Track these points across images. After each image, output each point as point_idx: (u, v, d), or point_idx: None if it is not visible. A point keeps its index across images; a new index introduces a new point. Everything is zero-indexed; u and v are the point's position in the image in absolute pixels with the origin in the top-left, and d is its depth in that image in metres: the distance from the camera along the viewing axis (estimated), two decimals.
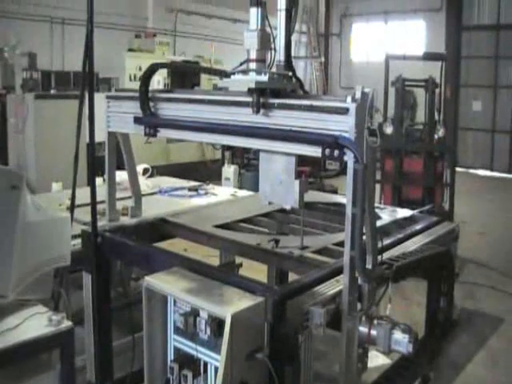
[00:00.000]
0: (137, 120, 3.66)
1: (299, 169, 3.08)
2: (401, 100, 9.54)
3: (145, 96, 3.60)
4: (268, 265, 4.71)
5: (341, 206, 4.47)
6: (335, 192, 11.57)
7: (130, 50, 14.19)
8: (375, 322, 2.73)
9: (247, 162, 13.76)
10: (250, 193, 6.09)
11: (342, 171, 12.75)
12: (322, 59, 23.07)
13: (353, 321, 2.71)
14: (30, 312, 3.27)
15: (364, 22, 22.50)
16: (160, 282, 2.90)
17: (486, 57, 18.71)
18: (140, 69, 12.94)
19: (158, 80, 12.59)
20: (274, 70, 3.12)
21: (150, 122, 3.61)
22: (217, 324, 2.58)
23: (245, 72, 3.06)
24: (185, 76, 14.30)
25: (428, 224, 4.15)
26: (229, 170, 11.81)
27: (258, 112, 2.98)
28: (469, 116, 19.12)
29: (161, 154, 12.89)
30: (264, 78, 2.95)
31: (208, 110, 3.33)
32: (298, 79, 3.19)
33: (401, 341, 2.68)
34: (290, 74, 3.14)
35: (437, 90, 9.44)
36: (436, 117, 9.48)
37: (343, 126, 2.66)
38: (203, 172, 12.90)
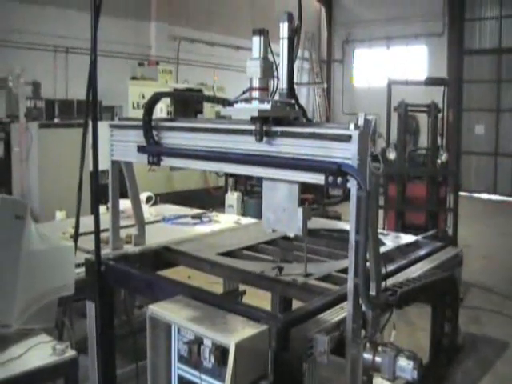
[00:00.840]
0: (140, 149, 3.68)
1: (302, 196, 3.10)
2: (403, 125, 9.58)
3: (148, 125, 3.62)
4: (272, 292, 4.70)
5: (344, 233, 4.46)
6: (339, 218, 11.57)
7: (133, 78, 14.27)
8: (380, 348, 2.72)
9: (250, 189, 13.79)
10: (254, 220, 6.10)
11: (346, 198, 12.77)
12: (325, 85, 23.19)
13: (357, 348, 2.71)
14: (33, 341, 3.27)
15: (366, 47, 22.65)
16: (164, 310, 2.90)
17: (487, 81, 18.83)
18: (143, 97, 13.01)
19: (161, 108, 12.66)
20: (276, 97, 3.14)
21: (154, 151, 3.64)
22: (221, 352, 2.58)
23: (248, 100, 3.08)
24: (188, 104, 14.36)
25: (432, 249, 4.16)
26: (232, 197, 11.84)
27: (261, 140, 3.00)
28: (471, 140, 19.16)
29: (164, 181, 12.92)
30: (267, 106, 2.97)
31: (211, 138, 3.35)
32: (300, 107, 3.22)
33: (406, 367, 2.67)
34: (293, 101, 3.16)
35: (439, 115, 9.48)
36: (439, 141, 9.51)
37: (346, 153, 2.67)
38: (206, 199, 12.90)
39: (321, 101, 23.52)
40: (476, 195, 18.63)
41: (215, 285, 4.73)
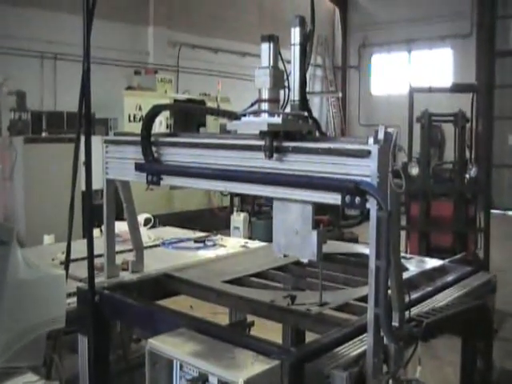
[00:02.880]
0: (138, 167, 3.70)
1: (317, 217, 3.10)
2: (427, 137, 9.60)
3: (147, 141, 3.64)
4: (283, 324, 4.70)
5: (363, 257, 4.48)
6: (356, 241, 11.56)
7: (129, 87, 14.35)
8: None
9: (258, 209, 13.82)
10: (262, 243, 6.11)
11: (365, 219, 12.71)
12: (340, 94, 23.26)
13: None
14: (19, 382, 3.26)
15: (385, 52, 22.76)
16: (165, 344, 2.90)
17: None
18: (140, 108, 13.10)
19: (160, 121, 12.73)
20: (287, 110, 3.16)
21: (153, 169, 3.65)
22: None
23: (256, 113, 3.10)
24: (189, 116, 14.44)
25: (461, 275, 4.13)
26: (238, 219, 11.87)
27: (271, 157, 3.01)
28: (504, 152, 19.07)
29: (163, 201, 12.97)
30: (277, 119, 2.98)
31: (216, 155, 3.37)
32: (314, 120, 3.22)
33: None
34: (306, 114, 3.17)
35: (467, 125, 9.49)
36: (467, 154, 9.52)
37: (365, 170, 2.67)
38: (210, 221, 12.93)
39: (335, 111, 23.63)
40: (510, 213, 18.56)
41: (220, 315, 4.75)
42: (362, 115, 23.36)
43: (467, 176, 9.13)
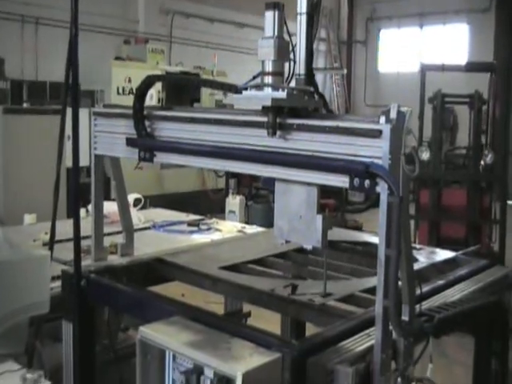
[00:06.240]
0: (130, 142, 3.70)
1: (322, 201, 3.10)
2: (440, 119, 9.58)
3: (140, 114, 3.64)
4: (283, 314, 4.72)
5: (369, 246, 4.49)
6: (359, 229, 11.58)
7: (118, 58, 14.30)
8: None
9: (255, 193, 13.81)
10: (260, 229, 6.13)
11: (373, 205, 12.69)
12: (344, 71, 23.16)
13: (387, 383, 2.71)
14: None
15: (395, 26, 22.68)
16: (157, 333, 2.91)
17: None
18: (129, 80, 13.06)
19: (151, 94, 12.67)
20: (292, 84, 3.16)
21: (146, 145, 3.65)
22: None
23: (258, 87, 3.09)
24: (183, 90, 14.39)
25: (475, 268, 4.13)
26: (234, 202, 11.85)
27: (274, 134, 3.01)
28: None
29: (153, 182, 12.97)
30: (282, 94, 2.97)
31: (214, 131, 3.37)
32: (321, 96, 3.22)
33: None
34: (312, 89, 3.16)
35: (483, 107, 9.47)
36: (482, 139, 9.49)
37: (375, 151, 2.68)
38: (203, 204, 12.92)
39: (339, 90, 23.56)
40: None
41: (214, 305, 4.76)
42: (368, 95, 23.32)
43: (482, 163, 9.10)
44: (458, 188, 9.37)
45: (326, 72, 23.46)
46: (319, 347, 2.78)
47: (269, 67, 3.10)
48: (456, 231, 9.20)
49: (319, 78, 22.89)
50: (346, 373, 2.59)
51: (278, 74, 3.10)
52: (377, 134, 2.67)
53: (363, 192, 2.84)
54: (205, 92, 14.20)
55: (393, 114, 2.64)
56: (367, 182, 2.70)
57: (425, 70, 9.75)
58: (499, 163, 9.03)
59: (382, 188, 2.64)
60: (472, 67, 10.71)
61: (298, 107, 3.07)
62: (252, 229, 6.30)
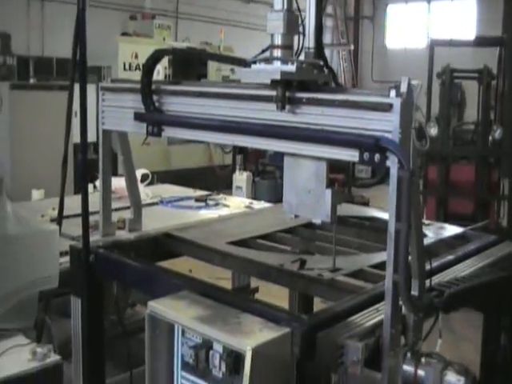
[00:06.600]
0: (138, 116, 3.68)
1: (331, 176, 3.09)
2: (448, 95, 9.53)
3: (148, 88, 3.62)
4: (292, 289, 4.72)
5: (377, 221, 4.48)
6: (366, 204, 11.57)
7: (124, 34, 14.26)
8: (423, 360, 2.70)
9: (262, 169, 13.81)
10: (268, 204, 6.12)
11: (382, 181, 12.68)
12: (351, 47, 23.09)
13: (396, 358, 2.70)
14: (8, 344, 3.29)
15: (402, 1, 22.57)
16: (166, 308, 2.91)
17: None
18: (136, 56, 13.04)
19: (158, 70, 12.63)
20: (301, 58, 3.14)
21: (154, 119, 3.64)
22: (234, 359, 2.58)
23: (267, 60, 3.07)
24: (190, 65, 14.34)
25: (484, 244, 4.11)
26: (241, 178, 11.85)
27: (283, 108, 2.99)
28: None
29: (160, 158, 12.97)
30: (291, 67, 2.94)
31: (223, 105, 3.35)
32: (330, 69, 3.20)
33: None
34: (322, 63, 3.14)
35: (492, 83, 9.42)
36: (491, 115, 9.45)
37: (386, 125, 2.66)
38: (210, 180, 12.91)
39: (346, 66, 23.48)
40: None
41: (221, 280, 4.76)
42: (375, 70, 23.23)
43: (491, 138, 9.06)
44: (466, 164, 9.34)
45: (332, 48, 23.39)
46: (329, 322, 2.78)
47: (278, 40, 3.08)
48: (464, 207, 9.19)
49: (326, 53, 22.66)
50: (356, 347, 2.59)
51: (287, 47, 3.09)
52: (387, 107, 2.65)
53: (373, 166, 2.82)
54: (211, 67, 14.17)
55: (403, 88, 2.63)
56: (377, 156, 2.69)
57: (433, 44, 9.69)
58: (508, 138, 8.99)
59: (392, 162, 2.63)
60: (481, 42, 10.63)
61: (307, 81, 3.04)
62: (260, 204, 6.31)
